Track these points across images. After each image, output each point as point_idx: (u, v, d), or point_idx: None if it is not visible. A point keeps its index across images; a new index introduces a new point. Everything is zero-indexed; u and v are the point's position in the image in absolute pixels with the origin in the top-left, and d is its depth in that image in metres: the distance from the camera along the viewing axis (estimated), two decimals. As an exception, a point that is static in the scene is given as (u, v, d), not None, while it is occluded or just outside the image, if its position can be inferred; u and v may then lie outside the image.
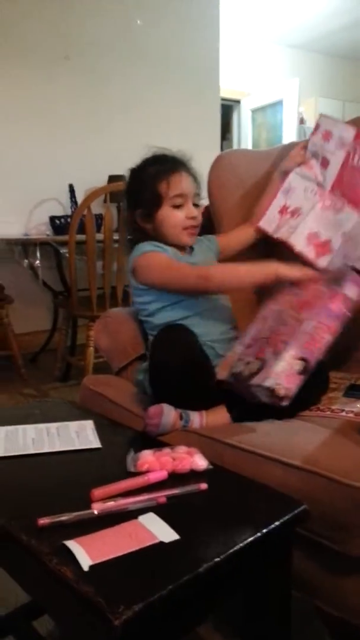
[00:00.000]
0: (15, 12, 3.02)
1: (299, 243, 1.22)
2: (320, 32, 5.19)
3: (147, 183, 1.19)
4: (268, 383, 0.84)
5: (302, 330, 0.89)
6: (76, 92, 3.28)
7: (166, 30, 3.59)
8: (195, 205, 1.21)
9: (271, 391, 0.84)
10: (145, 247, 1.17)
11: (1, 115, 3.05)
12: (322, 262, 1.17)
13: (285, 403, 0.85)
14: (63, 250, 2.61)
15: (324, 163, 1.22)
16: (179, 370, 0.98)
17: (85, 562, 0.53)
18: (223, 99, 4.22)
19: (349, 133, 1.17)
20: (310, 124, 5.15)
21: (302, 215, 1.23)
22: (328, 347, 0.90)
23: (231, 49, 4.91)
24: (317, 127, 1.25)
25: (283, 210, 1.26)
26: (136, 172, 1.23)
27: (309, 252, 1.20)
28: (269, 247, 1.29)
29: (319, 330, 0.88)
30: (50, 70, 3.17)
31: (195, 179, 1.23)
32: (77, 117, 3.29)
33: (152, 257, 1.15)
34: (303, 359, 0.86)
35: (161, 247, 1.18)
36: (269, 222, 1.28)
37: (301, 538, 0.77)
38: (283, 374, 0.84)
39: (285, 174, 1.28)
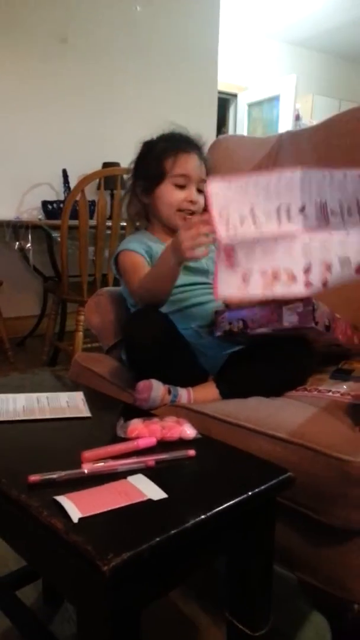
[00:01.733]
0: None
1: None
2: (320, 30, 5.21)
3: (155, 157, 1.19)
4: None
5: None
6: (72, 77, 3.26)
7: (166, 20, 3.58)
8: (200, 191, 1.19)
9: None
10: (129, 243, 1.18)
11: (-4, 98, 3.02)
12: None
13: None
14: (55, 234, 2.60)
15: None
16: (149, 347, 0.98)
17: (75, 514, 0.54)
18: (220, 92, 4.22)
19: None
20: (306, 120, 5.18)
21: None
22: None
23: (230, 43, 4.91)
24: None
25: None
26: (148, 144, 1.23)
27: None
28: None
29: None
30: (45, 54, 3.14)
31: (205, 165, 1.23)
32: (72, 102, 3.27)
33: (127, 257, 1.17)
34: None
35: (144, 244, 1.17)
36: None
37: (285, 510, 0.78)
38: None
39: None
